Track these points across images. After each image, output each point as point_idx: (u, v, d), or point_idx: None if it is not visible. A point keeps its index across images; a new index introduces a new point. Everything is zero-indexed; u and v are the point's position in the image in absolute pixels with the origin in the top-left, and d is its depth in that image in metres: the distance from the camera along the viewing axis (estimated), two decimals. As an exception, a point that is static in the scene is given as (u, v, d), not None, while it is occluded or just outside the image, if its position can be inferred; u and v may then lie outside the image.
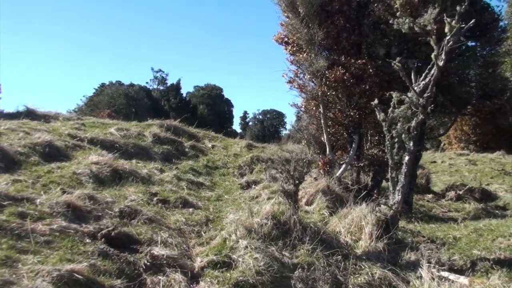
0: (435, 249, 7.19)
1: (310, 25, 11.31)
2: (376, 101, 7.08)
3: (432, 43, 6.34)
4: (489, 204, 14.21)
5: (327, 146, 11.79)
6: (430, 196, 15.95)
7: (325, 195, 8.66)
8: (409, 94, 6.82)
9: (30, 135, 8.82)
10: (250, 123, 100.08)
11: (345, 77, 10.95)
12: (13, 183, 6.05)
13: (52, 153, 8.30)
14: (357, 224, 6.78)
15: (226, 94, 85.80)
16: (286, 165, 6.42)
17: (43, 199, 5.66)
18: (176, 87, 75.28)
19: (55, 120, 12.57)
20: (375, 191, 11.16)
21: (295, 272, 4.94)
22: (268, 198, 7.99)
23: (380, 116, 7.01)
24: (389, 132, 7.00)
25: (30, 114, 12.13)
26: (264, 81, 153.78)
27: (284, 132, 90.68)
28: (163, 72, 77.54)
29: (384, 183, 13.66)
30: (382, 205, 6.88)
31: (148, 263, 4.97)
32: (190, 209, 7.41)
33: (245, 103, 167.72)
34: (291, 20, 11.94)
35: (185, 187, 8.83)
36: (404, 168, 6.84)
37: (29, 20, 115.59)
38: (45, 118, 12.12)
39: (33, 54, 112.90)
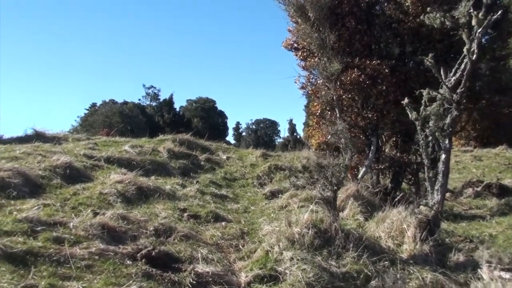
0: (475, 248, 6.96)
1: (320, 29, 11.16)
2: (406, 100, 6.90)
3: (464, 37, 6.18)
4: (510, 199, 13.98)
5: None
6: (447, 194, 15.75)
7: (356, 200, 8.38)
8: (441, 91, 6.65)
9: (47, 158, 8.61)
10: (244, 133, 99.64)
11: (360, 79, 10.79)
12: (43, 207, 5.83)
13: (73, 175, 8.09)
14: (397, 227, 6.52)
15: (219, 106, 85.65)
16: (322, 171, 6.19)
17: (76, 222, 5.45)
18: (169, 102, 75.06)
19: (66, 141, 12.39)
20: (397, 193, 10.96)
21: (372, 282, 4.71)
22: (300, 207, 7.76)
23: (412, 115, 6.83)
24: (422, 131, 6.81)
25: (39, 137, 11.93)
26: (255, 90, 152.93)
27: (278, 140, 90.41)
28: (155, 88, 77.37)
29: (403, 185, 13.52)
30: (422, 206, 6.65)
31: (194, 282, 4.75)
32: (223, 223, 7.17)
33: (237, 113, 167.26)
34: (300, 25, 11.80)
35: (210, 201, 8.59)
36: (441, 167, 6.66)
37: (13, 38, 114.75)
38: (56, 140, 11.91)
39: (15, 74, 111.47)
